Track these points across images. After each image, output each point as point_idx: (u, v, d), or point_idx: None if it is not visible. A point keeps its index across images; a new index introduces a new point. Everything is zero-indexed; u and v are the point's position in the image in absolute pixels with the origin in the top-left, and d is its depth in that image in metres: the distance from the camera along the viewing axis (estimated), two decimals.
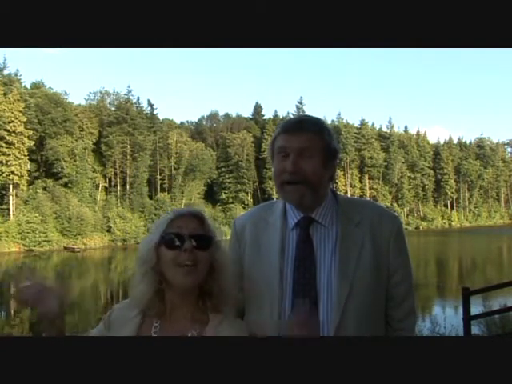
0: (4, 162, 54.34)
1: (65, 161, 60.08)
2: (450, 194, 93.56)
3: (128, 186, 65.61)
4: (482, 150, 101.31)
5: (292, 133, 1.61)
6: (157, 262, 1.50)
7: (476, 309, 9.34)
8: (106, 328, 1.58)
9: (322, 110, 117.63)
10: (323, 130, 1.64)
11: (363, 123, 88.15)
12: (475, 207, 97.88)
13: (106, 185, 66.85)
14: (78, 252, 50.32)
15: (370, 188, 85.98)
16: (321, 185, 1.63)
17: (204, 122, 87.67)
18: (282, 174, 1.60)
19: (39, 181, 59.39)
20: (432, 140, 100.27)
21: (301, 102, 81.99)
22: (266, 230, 1.71)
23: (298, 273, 1.62)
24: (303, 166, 1.58)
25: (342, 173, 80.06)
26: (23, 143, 56.10)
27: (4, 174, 54.24)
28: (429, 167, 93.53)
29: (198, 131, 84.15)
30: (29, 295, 1.48)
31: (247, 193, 75.70)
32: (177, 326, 1.51)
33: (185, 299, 1.52)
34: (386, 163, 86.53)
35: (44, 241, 52.16)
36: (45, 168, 61.57)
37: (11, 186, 54.87)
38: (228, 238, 1.80)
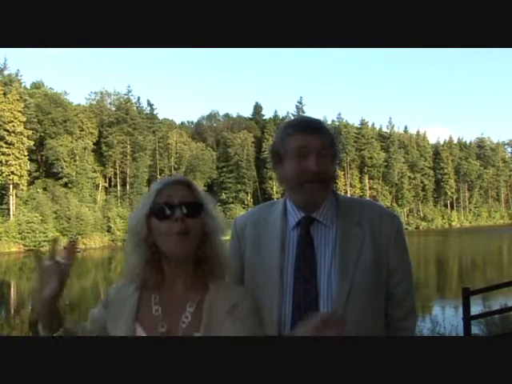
0: (4, 162, 54.36)
1: (65, 161, 60.10)
2: (449, 193, 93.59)
3: (128, 186, 65.64)
4: (482, 150, 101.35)
5: (312, 133, 1.62)
6: (148, 233, 1.50)
7: (476, 309, 9.34)
8: (105, 307, 1.58)
9: (322, 109, 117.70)
10: (330, 130, 1.69)
11: (363, 123, 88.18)
12: (475, 207, 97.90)
13: (106, 185, 66.90)
14: (78, 252, 50.17)
15: (370, 188, 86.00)
16: (332, 184, 1.68)
17: (204, 122, 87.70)
18: (302, 174, 1.60)
19: (39, 181, 59.42)
20: (432, 140, 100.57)
21: (301, 102, 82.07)
22: (267, 229, 1.71)
23: (298, 272, 1.62)
24: (324, 166, 1.60)
25: (342, 173, 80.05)
26: (23, 143, 56.14)
27: (4, 174, 54.28)
28: (429, 167, 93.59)
29: (198, 131, 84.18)
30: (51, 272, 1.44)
31: (247, 193, 75.72)
32: (177, 296, 1.52)
33: (181, 268, 1.52)
34: (386, 163, 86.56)
35: (44, 241, 52.15)
36: (45, 168, 61.59)
37: (11, 186, 54.90)
38: (228, 237, 1.81)
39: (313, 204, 1.66)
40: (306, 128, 1.63)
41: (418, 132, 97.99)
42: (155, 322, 1.50)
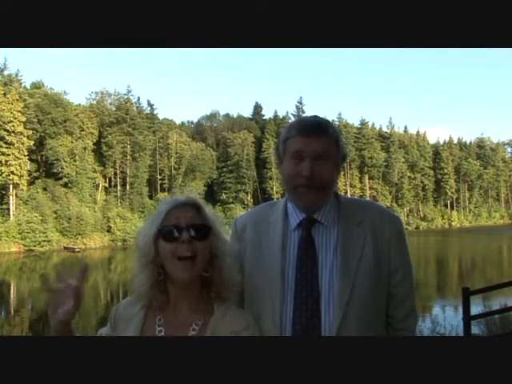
0: (4, 162, 54.35)
1: (65, 161, 60.08)
2: (450, 194, 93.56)
3: (128, 186, 65.62)
4: (482, 150, 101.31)
5: (309, 136, 1.58)
6: (156, 254, 1.49)
7: (476, 309, 9.34)
8: (112, 327, 1.58)
9: (322, 110, 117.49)
10: (338, 133, 1.64)
11: (363, 123, 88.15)
12: (475, 207, 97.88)
13: (106, 185, 66.86)
14: (78, 252, 50.31)
15: (370, 188, 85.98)
16: (332, 188, 1.64)
17: (204, 122, 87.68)
18: (296, 178, 1.59)
19: (39, 181, 59.40)
20: (432, 140, 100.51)
21: (301, 102, 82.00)
22: (268, 230, 1.71)
23: (299, 273, 1.61)
24: (319, 171, 1.57)
25: (342, 173, 79.76)
26: (23, 143, 56.13)
27: (4, 174, 54.26)
28: (429, 167, 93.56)
29: (198, 131, 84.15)
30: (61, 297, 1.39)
31: (247, 193, 75.68)
32: (181, 318, 1.51)
33: (187, 291, 1.51)
34: (386, 163, 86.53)
35: (44, 241, 52.16)
36: (45, 168, 61.57)
37: (11, 186, 54.88)
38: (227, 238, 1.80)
39: (309, 208, 1.64)
40: (305, 130, 1.60)
41: (418, 132, 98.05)
42: None
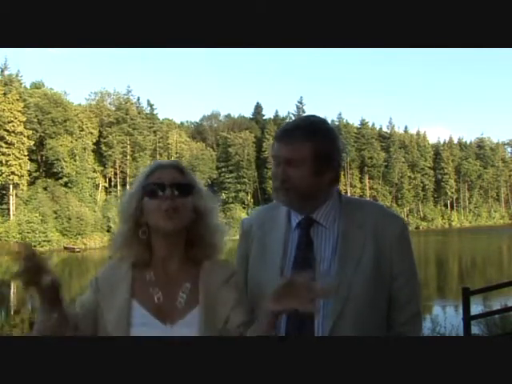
0: (4, 162, 54.36)
1: (65, 161, 60.09)
2: (450, 194, 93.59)
3: (128, 186, 65.58)
4: (481, 150, 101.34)
5: (281, 141, 1.62)
6: (140, 212, 1.54)
7: (476, 309, 9.34)
8: (95, 291, 1.58)
9: (322, 110, 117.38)
10: (315, 136, 1.59)
11: (363, 123, 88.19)
12: (475, 207, 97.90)
13: (106, 185, 66.92)
14: (78, 252, 50.34)
15: (370, 188, 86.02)
16: (313, 191, 1.62)
17: (205, 122, 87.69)
18: (275, 180, 1.64)
19: (39, 181, 59.41)
20: (432, 140, 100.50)
21: (301, 102, 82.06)
22: (272, 230, 1.72)
23: (296, 272, 1.61)
24: (291, 175, 1.59)
25: (342, 173, 79.61)
26: (23, 143, 56.15)
27: (4, 174, 54.27)
28: (429, 167, 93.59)
29: (198, 131, 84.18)
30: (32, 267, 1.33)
31: (247, 193, 75.73)
32: (171, 276, 1.55)
33: (174, 245, 1.55)
34: (386, 163, 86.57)
35: (44, 241, 52.17)
36: (45, 168, 61.59)
37: (11, 186, 54.89)
38: (228, 237, 1.81)
39: (292, 209, 1.68)
40: (278, 135, 1.65)
41: (418, 132, 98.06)
42: (152, 297, 1.52)
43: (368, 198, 64.77)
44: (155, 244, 1.56)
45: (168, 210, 1.49)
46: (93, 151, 65.00)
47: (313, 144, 1.59)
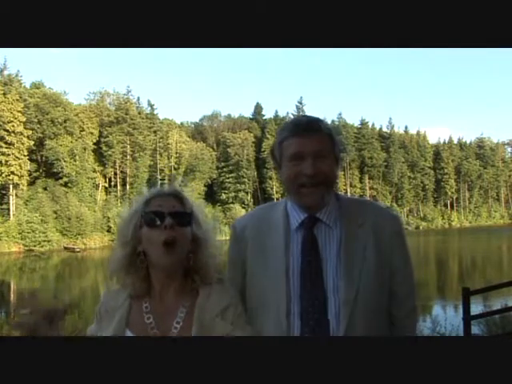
0: (4, 162, 54.37)
1: (65, 161, 60.09)
2: (450, 194, 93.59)
3: (128, 186, 65.63)
4: (481, 150, 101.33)
5: (305, 136, 1.59)
6: (139, 241, 1.53)
7: (476, 309, 9.34)
8: (98, 321, 1.59)
9: (322, 110, 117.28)
10: (330, 129, 1.65)
11: (363, 123, 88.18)
12: (475, 207, 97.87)
13: (106, 185, 66.90)
14: (78, 252, 50.33)
15: (370, 188, 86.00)
16: (335, 184, 1.65)
17: (205, 122, 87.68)
18: (298, 178, 1.59)
19: (39, 181, 59.40)
20: (432, 140, 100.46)
21: (301, 102, 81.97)
22: (270, 230, 1.70)
23: (304, 274, 1.61)
24: (321, 168, 1.58)
25: (342, 173, 79.93)
26: (23, 143, 56.15)
27: (4, 174, 54.27)
28: (429, 167, 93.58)
29: (198, 131, 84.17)
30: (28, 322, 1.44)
31: (247, 193, 75.68)
32: (168, 303, 1.54)
33: (171, 278, 1.54)
34: (386, 163, 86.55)
35: (44, 241, 52.18)
36: (45, 168, 61.57)
37: (11, 186, 54.89)
38: (226, 238, 1.80)
39: (314, 206, 1.64)
40: (299, 131, 1.61)
41: (418, 132, 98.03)
42: (146, 328, 1.51)
43: (368, 198, 64.80)
44: (153, 275, 1.55)
45: (167, 240, 1.47)
46: (93, 151, 64.98)
47: (332, 136, 1.64)
